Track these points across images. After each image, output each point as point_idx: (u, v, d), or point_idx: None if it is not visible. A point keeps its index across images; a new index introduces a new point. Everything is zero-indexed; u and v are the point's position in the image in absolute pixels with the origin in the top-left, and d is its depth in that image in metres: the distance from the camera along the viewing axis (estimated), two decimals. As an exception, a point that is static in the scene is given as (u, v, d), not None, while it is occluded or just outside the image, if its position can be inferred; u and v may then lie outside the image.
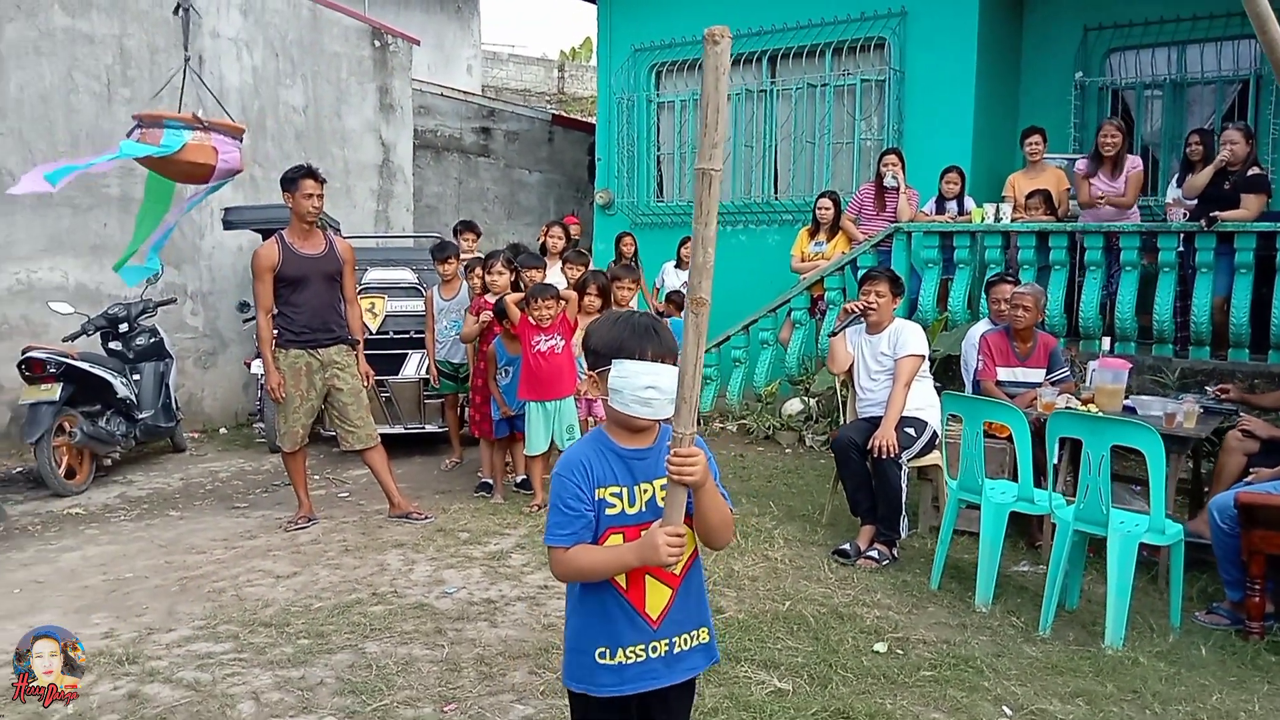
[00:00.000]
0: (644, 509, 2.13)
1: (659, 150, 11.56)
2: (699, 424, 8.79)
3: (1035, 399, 5.38)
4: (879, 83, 10.00)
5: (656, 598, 2.13)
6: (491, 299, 6.47)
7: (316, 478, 7.29)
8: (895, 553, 5.19)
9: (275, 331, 5.72)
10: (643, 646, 2.14)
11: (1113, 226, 7.40)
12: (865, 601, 4.56)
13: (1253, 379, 6.64)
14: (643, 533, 2.05)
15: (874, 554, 5.13)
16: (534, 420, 6.09)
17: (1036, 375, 5.72)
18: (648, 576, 2.12)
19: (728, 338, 9.28)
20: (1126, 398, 5.36)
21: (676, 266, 9.72)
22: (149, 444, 7.98)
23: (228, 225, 8.39)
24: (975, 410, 4.73)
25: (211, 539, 5.63)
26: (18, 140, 7.90)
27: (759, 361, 9.11)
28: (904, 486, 5.17)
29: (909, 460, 5.24)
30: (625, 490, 2.11)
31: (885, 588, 4.77)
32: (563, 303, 6.14)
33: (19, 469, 7.29)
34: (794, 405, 8.78)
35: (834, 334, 5.74)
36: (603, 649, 2.13)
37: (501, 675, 3.76)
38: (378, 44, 10.86)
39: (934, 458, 5.39)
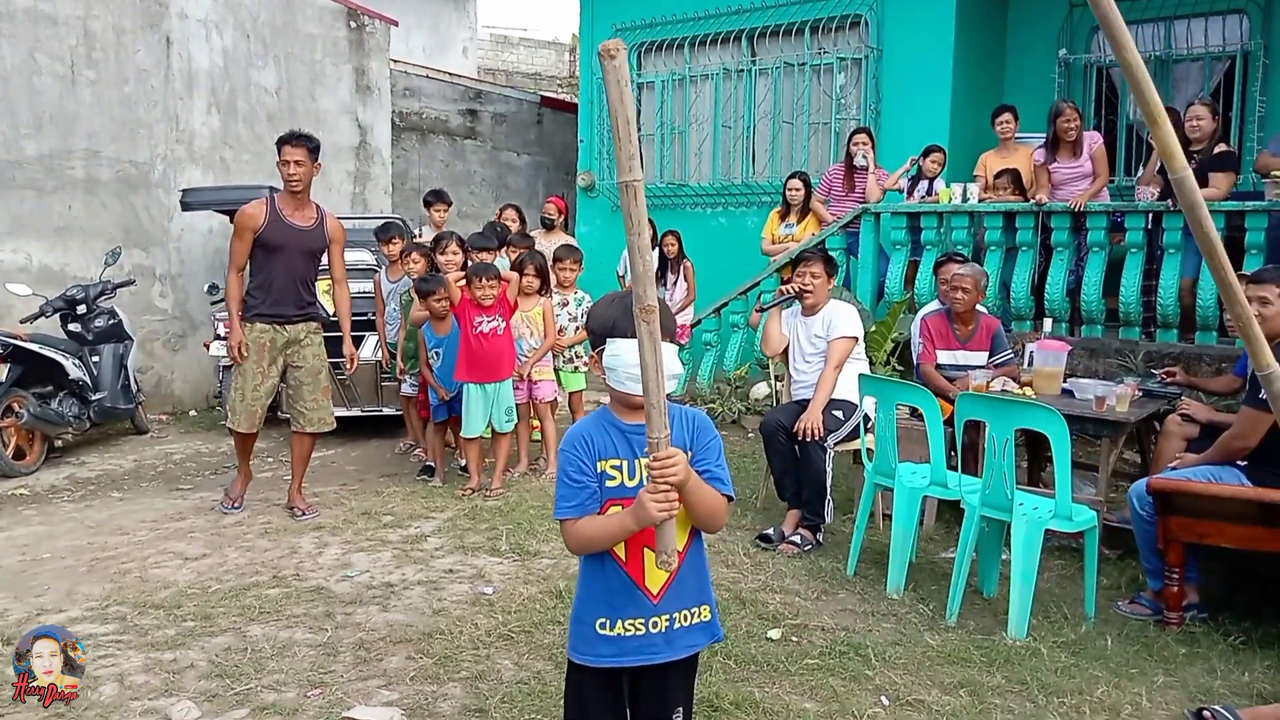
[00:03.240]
0: (644, 481, 2.15)
1: (640, 131, 11.40)
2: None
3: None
4: (856, 61, 9.80)
5: (658, 573, 2.17)
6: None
7: (270, 460, 7.28)
8: (820, 538, 5.07)
9: (244, 302, 5.55)
10: (642, 620, 2.19)
11: (1090, 207, 7.14)
12: (773, 587, 4.46)
13: (1219, 362, 6.43)
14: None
15: (796, 539, 5.02)
16: (472, 402, 6.01)
17: (979, 358, 5.57)
18: (647, 550, 2.15)
19: (699, 321, 9.18)
20: (1065, 381, 5.20)
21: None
22: (108, 426, 7.99)
23: (185, 206, 8.37)
24: (888, 392, 4.60)
25: (141, 520, 5.61)
26: (-22, 122, 7.91)
27: (729, 345, 8.99)
28: (829, 470, 5.05)
29: (835, 444, 5.11)
30: (625, 463, 2.19)
31: (799, 574, 4.66)
32: (504, 283, 6.06)
33: (-25, 450, 7.32)
34: (761, 389, 8.66)
35: (760, 310, 5.61)
36: (603, 619, 2.20)
37: (378, 660, 3.69)
38: (354, 25, 10.80)
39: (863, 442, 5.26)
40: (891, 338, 7.51)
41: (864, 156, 8.36)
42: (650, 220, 9.47)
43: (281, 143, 5.50)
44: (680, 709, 2.29)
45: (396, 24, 11.58)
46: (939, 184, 8.17)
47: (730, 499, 2.22)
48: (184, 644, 3.80)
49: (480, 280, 5.96)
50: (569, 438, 2.24)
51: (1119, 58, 2.02)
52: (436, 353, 6.23)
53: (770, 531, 5.09)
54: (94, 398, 7.34)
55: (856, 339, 5.31)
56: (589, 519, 2.16)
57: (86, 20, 8.43)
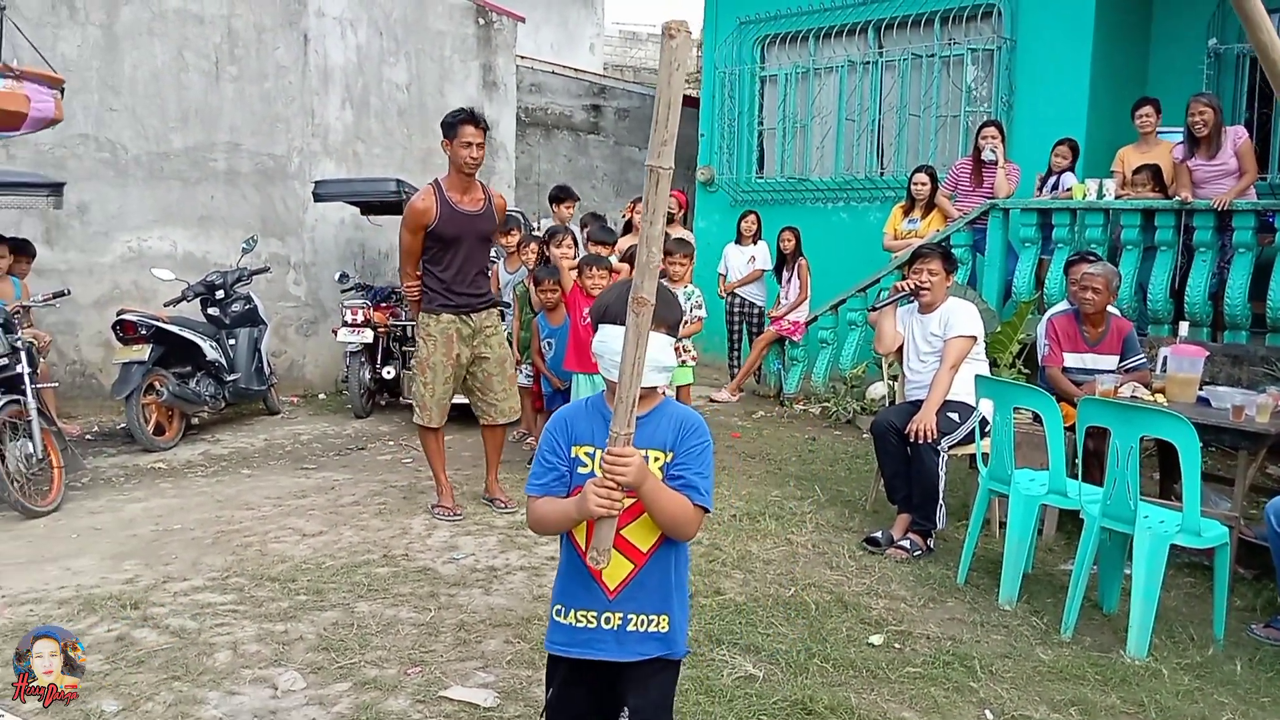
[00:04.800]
0: None
1: (761, 125, 11.31)
2: (784, 404, 8.60)
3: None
4: (988, 52, 9.46)
5: (616, 569, 2.12)
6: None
7: (391, 444, 7.50)
8: (930, 544, 4.92)
9: (423, 293, 5.35)
10: (594, 614, 2.15)
11: (1237, 205, 6.69)
12: (878, 592, 4.34)
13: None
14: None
15: (905, 544, 4.87)
16: (581, 392, 6.03)
17: (1108, 362, 5.30)
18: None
19: (815, 318, 9.04)
20: (1202, 388, 4.90)
21: (737, 244, 9.54)
22: (242, 405, 8.38)
23: (317, 198, 8.68)
24: (1006, 394, 4.41)
25: (265, 497, 5.85)
26: (131, 116, 8.40)
27: (846, 343, 8.83)
28: (942, 474, 4.88)
29: (949, 447, 4.94)
30: (599, 452, 2.08)
31: (906, 579, 4.53)
32: (614, 275, 6.07)
33: (122, 425, 7.77)
34: (878, 389, 8.46)
35: (874, 309, 5.47)
36: (559, 606, 2.20)
37: (477, 642, 3.75)
38: (482, 21, 11.01)
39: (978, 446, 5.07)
40: (1018, 339, 7.25)
41: (993, 150, 8.09)
42: (755, 213, 9.40)
43: (459, 123, 5.13)
44: (628, 712, 2.17)
45: (523, 20, 11.76)
46: (1070, 179, 7.84)
47: (706, 510, 2.12)
48: (295, 617, 3.94)
49: (590, 271, 5.98)
50: (554, 418, 2.25)
51: (1252, 40, 1.89)
52: (549, 343, 6.30)
53: (878, 535, 4.96)
54: (229, 379, 7.70)
55: (975, 338, 5.12)
56: (547, 500, 2.15)
57: (230, 19, 8.85)
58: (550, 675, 2.29)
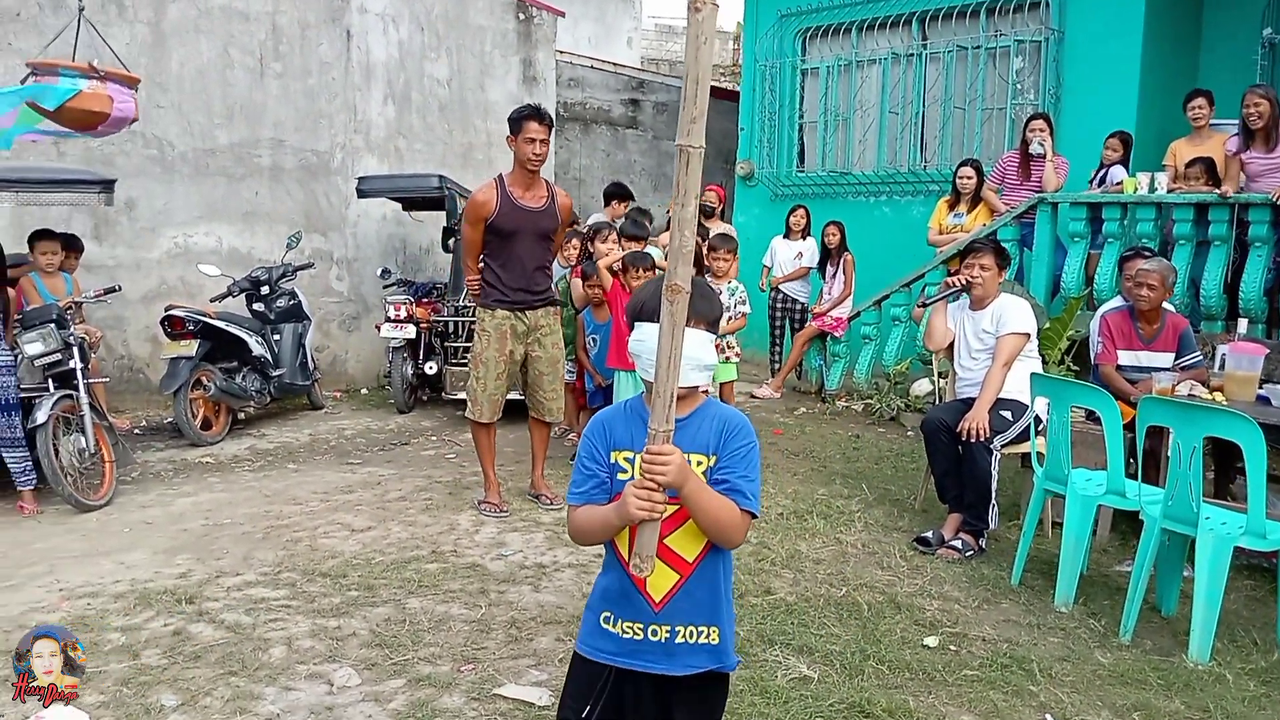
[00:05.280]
0: None
1: (801, 119, 11.22)
2: (826, 400, 8.55)
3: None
4: (1036, 44, 9.32)
5: (661, 579, 2.04)
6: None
7: (434, 439, 7.53)
8: (982, 544, 4.85)
9: (481, 288, 5.38)
10: (640, 625, 2.07)
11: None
12: (931, 593, 4.29)
13: None
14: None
15: (957, 544, 4.81)
16: (623, 389, 6.03)
17: (1163, 359, 5.19)
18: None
19: (858, 313, 8.96)
20: (1261, 386, 4.79)
21: (785, 238, 9.45)
22: (287, 400, 8.45)
23: (361, 194, 8.72)
24: (1063, 393, 4.33)
25: (313, 491, 5.89)
26: (178, 113, 8.48)
27: (890, 339, 8.75)
28: (994, 473, 4.81)
29: (1002, 446, 4.87)
30: (639, 458, 1.94)
31: (959, 580, 4.47)
32: (657, 271, 6.04)
33: (169, 419, 7.86)
34: (923, 385, 8.38)
35: (923, 304, 5.40)
36: (608, 613, 2.11)
37: (528, 640, 3.75)
38: (522, 16, 11.02)
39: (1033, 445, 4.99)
40: (1067, 335, 7.14)
41: (1040, 144, 7.96)
42: (805, 207, 9.33)
43: (524, 118, 5.11)
44: None
45: (563, 15, 11.75)
46: (1121, 172, 7.70)
47: (753, 515, 2.02)
48: (348, 612, 3.96)
49: (636, 271, 5.94)
50: (592, 422, 2.16)
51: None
52: (594, 339, 6.29)
53: (929, 535, 4.90)
54: (274, 374, 7.77)
55: (1028, 335, 5.04)
56: (588, 508, 2.06)
57: (275, 15, 8.91)
58: (579, 679, 2.18)
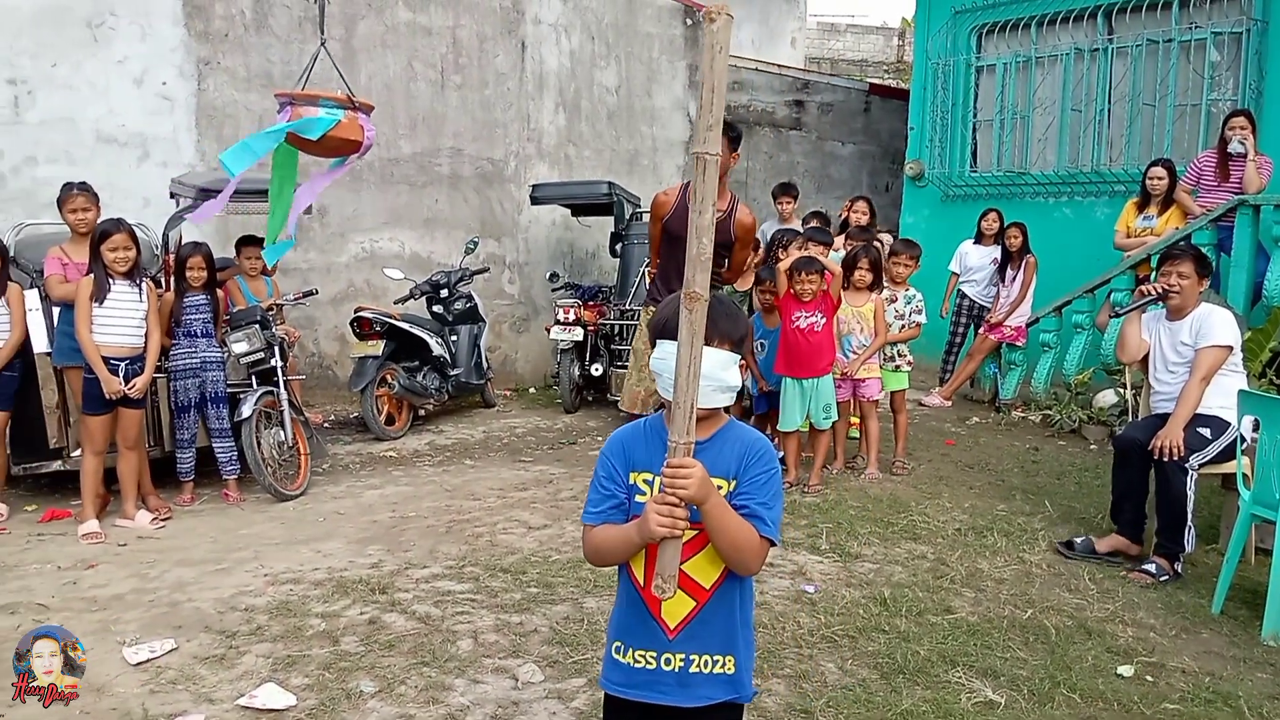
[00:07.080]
0: None
1: (975, 118, 10.87)
2: (1000, 410, 8.25)
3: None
4: (1235, 36, 8.72)
5: (677, 605, 1.98)
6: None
7: (599, 439, 7.67)
8: (1178, 568, 4.59)
9: (650, 283, 5.61)
10: (654, 654, 2.01)
11: None
12: (1124, 619, 4.08)
13: None
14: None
15: (1150, 568, 4.57)
16: (789, 396, 5.99)
17: (1388, 376, 4.79)
18: None
19: (1037, 319, 8.61)
20: None
21: (976, 243, 9.07)
22: (462, 398, 8.79)
23: (535, 201, 8.99)
24: (1276, 411, 4.05)
25: (489, 488, 6.11)
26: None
27: (1071, 347, 8.38)
28: (1191, 494, 4.54)
29: (1200, 465, 4.59)
30: (658, 480, 1.92)
31: (1154, 606, 4.24)
32: (828, 277, 5.97)
33: (355, 415, 8.31)
34: (1108, 397, 7.99)
35: (1116, 314, 5.14)
36: (618, 644, 2.06)
37: (704, 646, 3.77)
38: (689, 22, 11.09)
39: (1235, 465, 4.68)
40: (1270, 347, 6.69)
41: (1241, 142, 7.45)
42: (997, 210, 8.98)
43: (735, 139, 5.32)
44: None
45: (731, 18, 11.74)
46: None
47: (772, 543, 1.94)
48: (529, 609, 4.09)
49: (801, 274, 5.88)
50: (610, 441, 2.09)
51: None
52: (761, 344, 6.27)
53: (1077, 540, 4.70)
54: (452, 373, 8.11)
55: (1231, 349, 4.73)
56: (605, 527, 1.99)
57: (455, 29, 9.28)
58: (604, 711, 2.15)
